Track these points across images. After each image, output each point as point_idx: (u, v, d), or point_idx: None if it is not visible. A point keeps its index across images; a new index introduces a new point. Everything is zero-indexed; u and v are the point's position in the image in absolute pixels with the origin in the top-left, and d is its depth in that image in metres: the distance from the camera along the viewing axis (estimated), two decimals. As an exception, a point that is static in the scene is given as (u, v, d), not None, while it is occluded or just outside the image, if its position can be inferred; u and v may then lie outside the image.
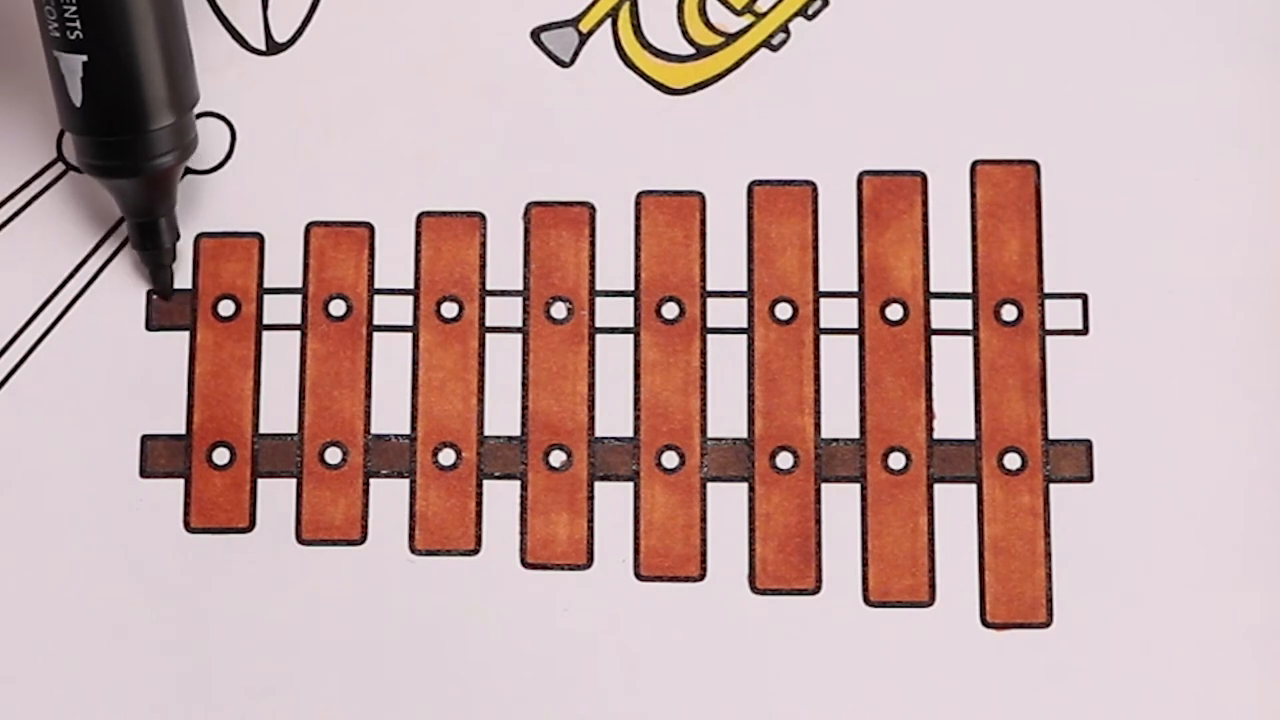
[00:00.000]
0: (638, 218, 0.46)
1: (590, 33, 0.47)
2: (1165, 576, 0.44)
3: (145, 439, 0.45)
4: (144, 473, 0.45)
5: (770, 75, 0.46)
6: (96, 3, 0.40)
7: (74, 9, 0.40)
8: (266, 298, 0.46)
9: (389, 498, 0.45)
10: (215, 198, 0.46)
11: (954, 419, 0.45)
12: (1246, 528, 0.44)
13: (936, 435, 0.45)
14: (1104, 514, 0.44)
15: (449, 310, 0.45)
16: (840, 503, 0.44)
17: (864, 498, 0.44)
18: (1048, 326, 0.45)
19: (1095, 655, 0.44)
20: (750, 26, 0.47)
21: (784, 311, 0.45)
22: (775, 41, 0.46)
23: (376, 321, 0.45)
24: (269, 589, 0.44)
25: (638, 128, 0.46)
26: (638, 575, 0.44)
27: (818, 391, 0.45)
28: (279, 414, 0.45)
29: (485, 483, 0.45)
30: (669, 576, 0.44)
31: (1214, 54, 0.46)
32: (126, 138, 0.42)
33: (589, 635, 0.44)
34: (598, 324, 0.45)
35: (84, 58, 0.40)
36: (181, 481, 0.45)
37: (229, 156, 0.46)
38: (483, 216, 0.46)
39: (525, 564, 0.44)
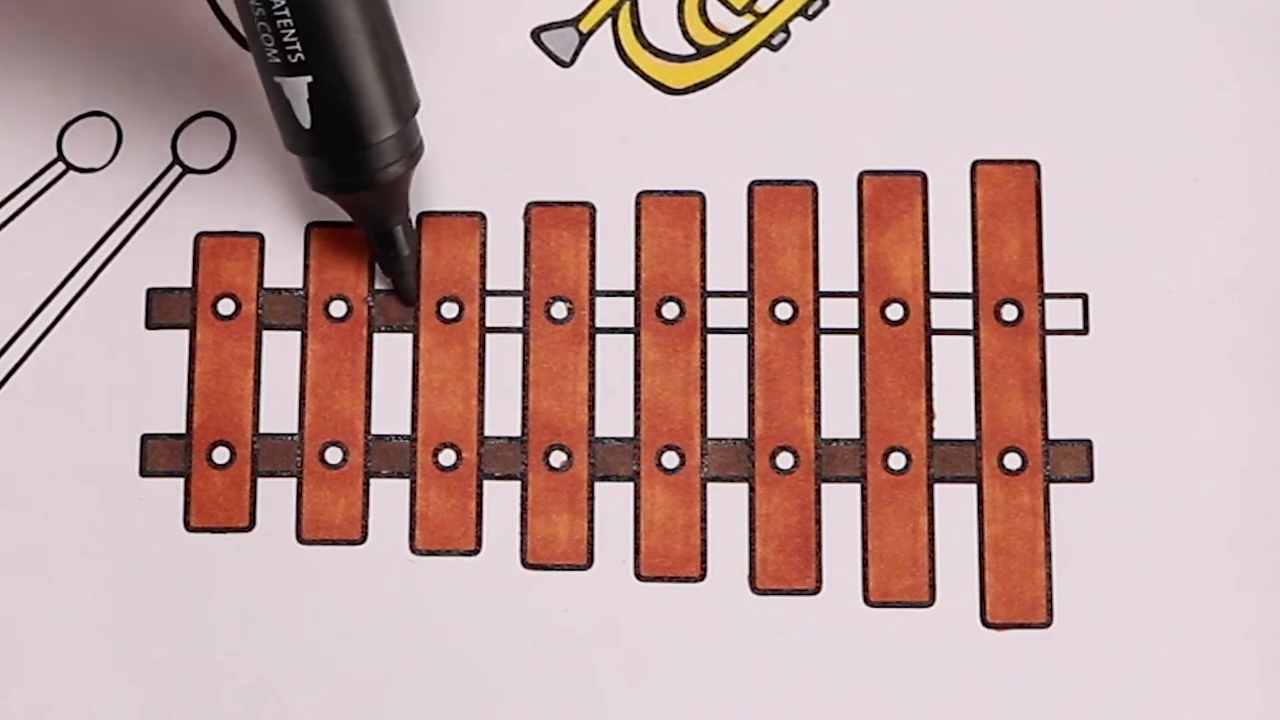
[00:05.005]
0: (638, 218, 0.46)
1: (590, 33, 0.47)
2: (1165, 576, 0.44)
3: (145, 438, 0.45)
4: (144, 472, 0.45)
5: (770, 75, 0.46)
6: (315, 22, 0.40)
7: (293, 32, 0.39)
8: (266, 298, 0.46)
9: (389, 498, 0.45)
10: (215, 198, 0.46)
11: (954, 419, 0.45)
12: (1246, 528, 0.44)
13: (936, 435, 0.45)
14: (1104, 514, 0.44)
15: (449, 310, 0.45)
16: (840, 503, 0.44)
17: (864, 498, 0.44)
18: (1048, 326, 0.45)
19: (1095, 655, 0.44)
20: (750, 26, 0.47)
21: (784, 311, 0.45)
22: (775, 41, 0.47)
23: (377, 322, 0.45)
24: (269, 589, 0.44)
25: (638, 128, 0.46)
26: (638, 575, 0.44)
27: (818, 391, 0.45)
28: (279, 414, 0.45)
29: (485, 483, 0.45)
30: (669, 576, 0.44)
31: (1214, 54, 0.46)
32: (358, 152, 0.41)
33: (589, 635, 0.44)
34: (598, 324, 0.45)
35: (308, 79, 0.40)
36: (181, 481, 0.45)
37: (229, 156, 0.46)
38: (483, 216, 0.46)
39: (525, 564, 0.44)
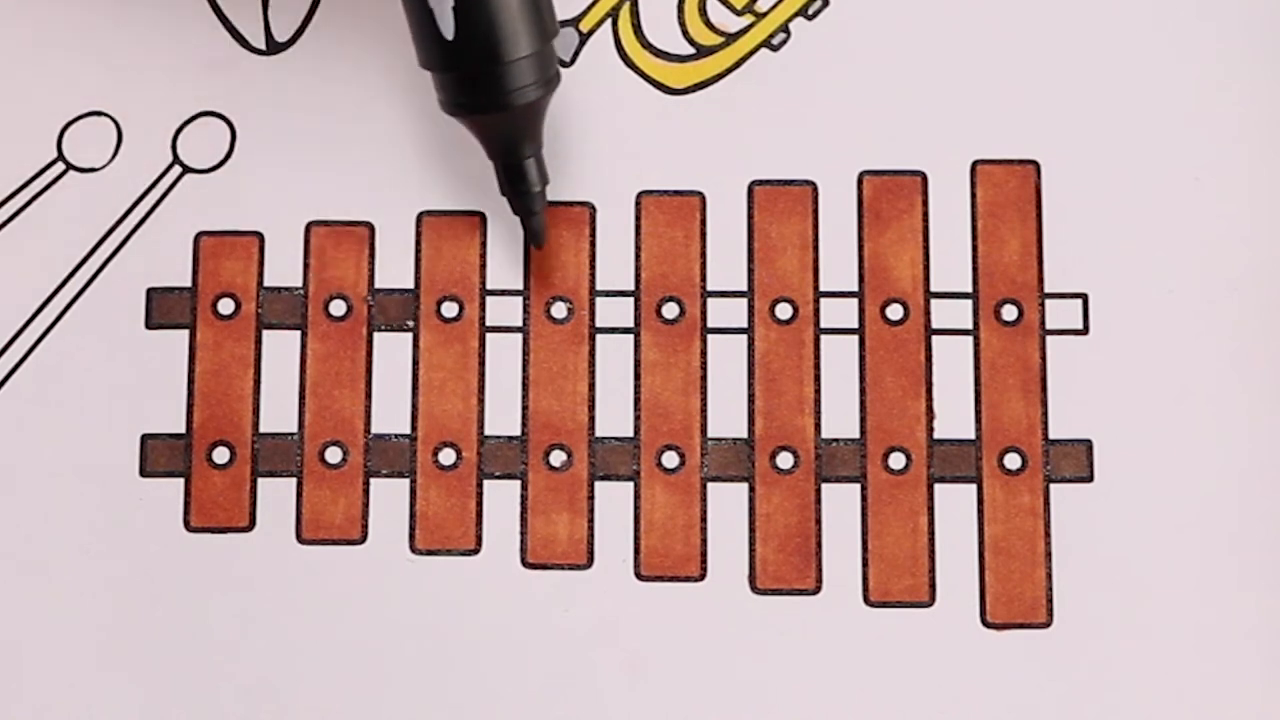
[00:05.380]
0: (638, 218, 0.46)
1: (590, 33, 0.47)
2: (1165, 576, 0.44)
3: (145, 438, 0.45)
4: (144, 472, 0.45)
5: (770, 75, 0.46)
6: None
7: None
8: (266, 297, 0.46)
9: (389, 498, 0.45)
10: (215, 197, 0.46)
11: (954, 419, 0.45)
12: (1246, 528, 0.44)
13: (936, 435, 0.45)
14: (1104, 514, 0.44)
15: (449, 310, 0.45)
16: (840, 503, 0.44)
17: (864, 498, 0.44)
18: (1048, 326, 0.45)
19: (1095, 655, 0.44)
20: (750, 26, 0.47)
21: (784, 311, 0.45)
22: (775, 41, 0.47)
23: (377, 321, 0.45)
24: (269, 589, 0.44)
25: (638, 128, 0.46)
26: (638, 575, 0.44)
27: (818, 391, 0.45)
28: (279, 413, 0.45)
29: (485, 482, 0.45)
30: (669, 576, 0.44)
31: (1214, 54, 0.46)
32: (496, 68, 0.41)
33: (589, 635, 0.44)
34: (598, 324, 0.45)
35: None
36: (181, 481, 0.45)
37: (229, 156, 0.46)
38: (483, 216, 0.46)
39: (525, 564, 0.44)
